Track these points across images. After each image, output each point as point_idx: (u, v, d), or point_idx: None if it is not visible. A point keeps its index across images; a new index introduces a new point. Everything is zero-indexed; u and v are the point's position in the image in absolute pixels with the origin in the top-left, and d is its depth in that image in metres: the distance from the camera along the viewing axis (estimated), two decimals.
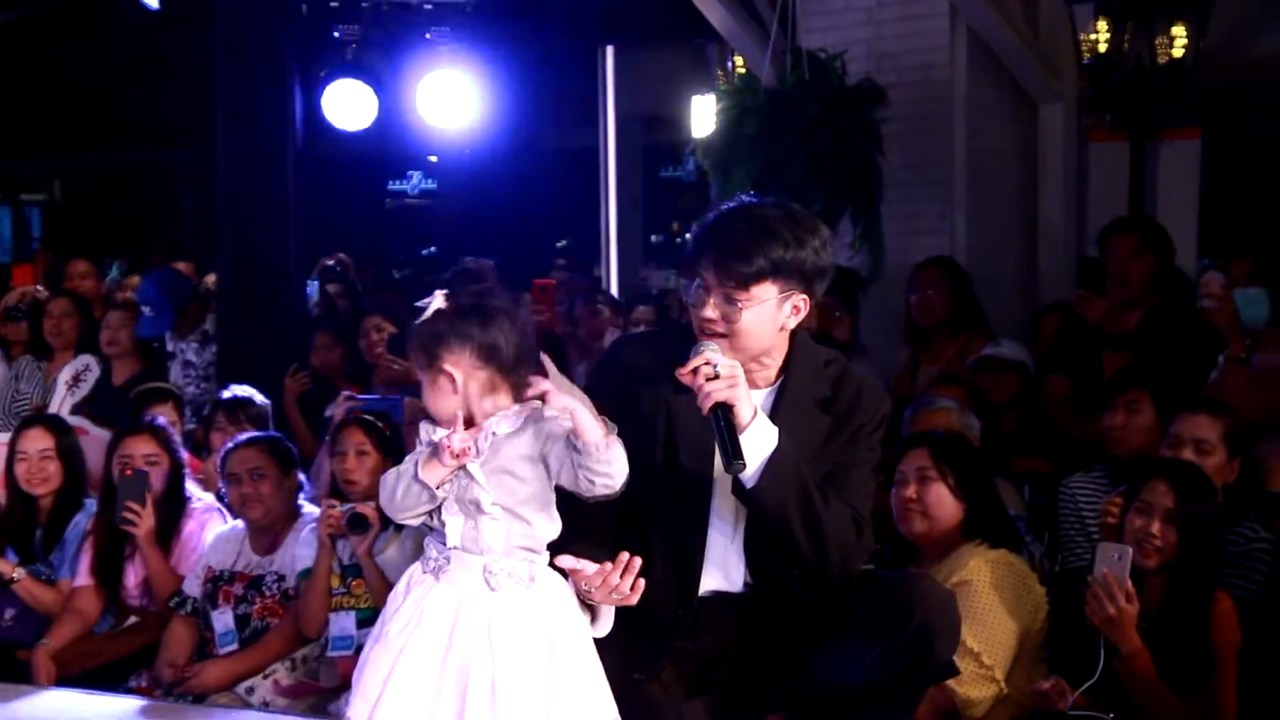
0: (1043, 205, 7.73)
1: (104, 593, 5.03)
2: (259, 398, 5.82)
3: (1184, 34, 7.26)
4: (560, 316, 7.62)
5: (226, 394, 5.86)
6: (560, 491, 2.85)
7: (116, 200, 17.54)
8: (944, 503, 4.07)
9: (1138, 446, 4.57)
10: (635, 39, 11.05)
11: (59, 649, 4.88)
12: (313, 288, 9.19)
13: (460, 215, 14.86)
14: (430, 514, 2.84)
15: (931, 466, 4.09)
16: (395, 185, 16.69)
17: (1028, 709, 3.89)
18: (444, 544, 2.80)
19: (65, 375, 6.93)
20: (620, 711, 2.91)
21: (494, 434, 2.80)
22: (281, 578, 4.75)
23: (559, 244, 14.52)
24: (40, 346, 7.16)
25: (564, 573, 2.92)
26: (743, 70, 7.98)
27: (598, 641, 2.98)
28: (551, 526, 2.88)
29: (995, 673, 3.89)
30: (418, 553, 2.95)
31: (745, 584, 3.24)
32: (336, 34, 8.06)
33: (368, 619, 4.42)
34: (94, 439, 5.65)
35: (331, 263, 9.61)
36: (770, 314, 3.14)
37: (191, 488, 5.17)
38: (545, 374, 2.82)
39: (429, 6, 8.24)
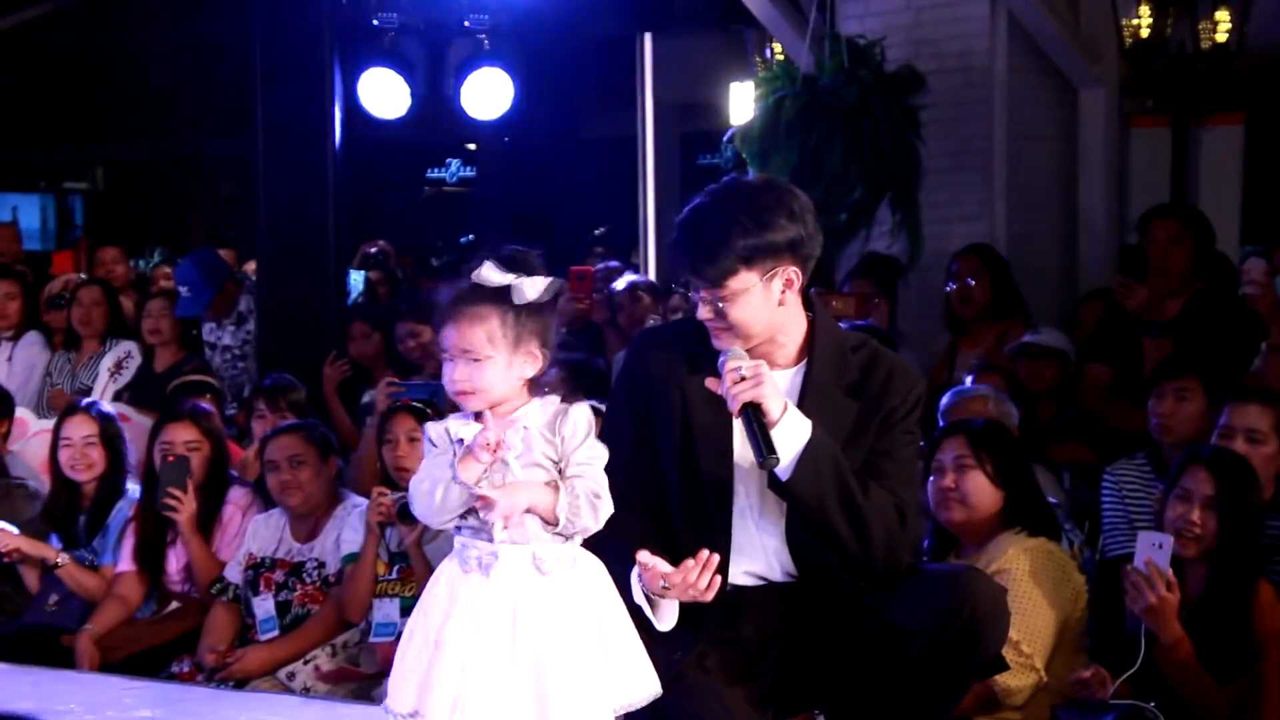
0: (1083, 192, 7.68)
1: (146, 578, 5.08)
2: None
3: (1227, 19, 7.20)
4: (599, 304, 7.62)
5: (268, 382, 5.90)
6: None
7: (158, 189, 17.65)
8: (983, 491, 4.05)
9: (1186, 434, 4.54)
10: (674, 26, 11.03)
11: (102, 634, 4.93)
12: (358, 277, 9.20)
13: (498, 203, 14.86)
14: (464, 513, 2.82)
15: (970, 455, 4.07)
16: (434, 173, 16.72)
17: (1068, 698, 3.88)
18: (489, 539, 2.78)
19: (108, 362, 6.98)
20: (665, 698, 2.91)
21: (525, 427, 2.80)
22: (322, 564, 4.78)
23: (596, 232, 14.51)
24: (77, 335, 7.21)
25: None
26: (781, 57, 7.95)
27: (637, 622, 3.00)
28: None
29: (1035, 661, 3.87)
30: None
31: (788, 574, 3.23)
32: (376, 22, 8.08)
33: (410, 607, 4.44)
34: (136, 426, 5.70)
35: (374, 250, 9.64)
36: (760, 299, 3.13)
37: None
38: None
39: None
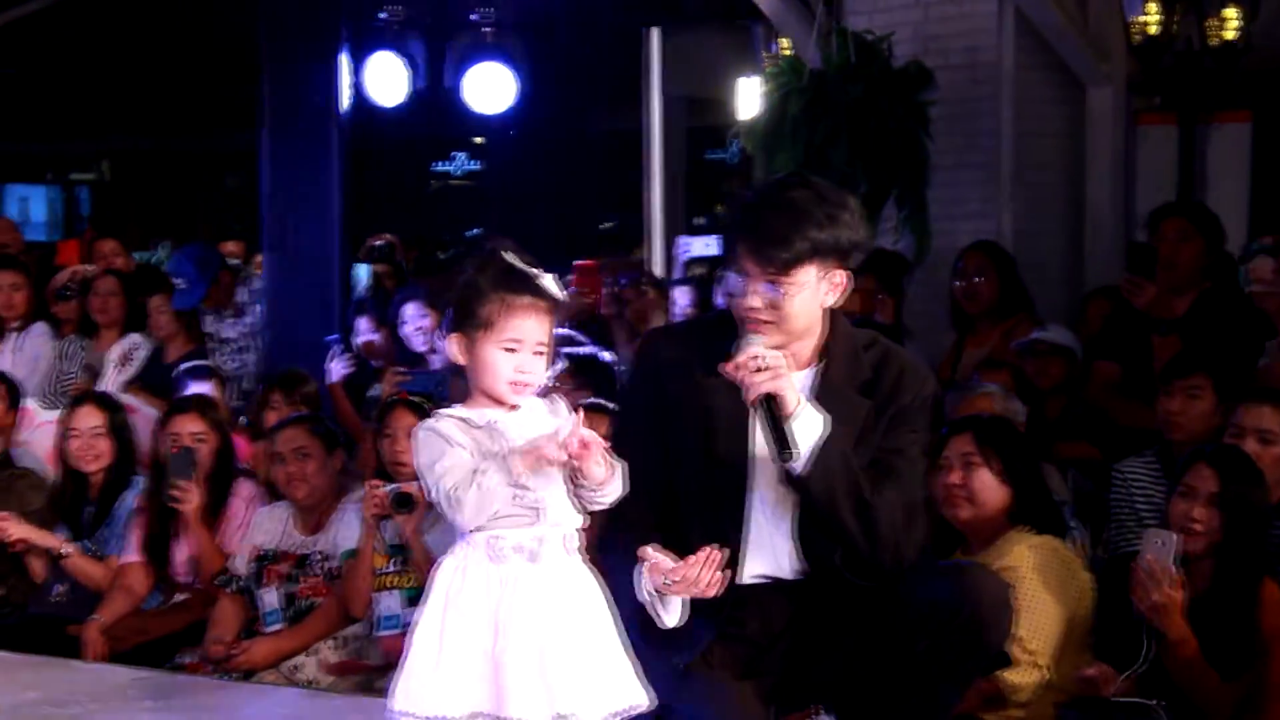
0: (1090, 189, 7.67)
1: (153, 569, 5.09)
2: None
3: (1235, 16, 7.19)
4: (605, 298, 7.63)
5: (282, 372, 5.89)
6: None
7: (165, 180, 17.66)
8: (989, 488, 4.05)
9: (1196, 432, 4.54)
10: (681, 21, 11.03)
11: (109, 625, 4.94)
12: (362, 270, 9.20)
13: (504, 196, 14.87)
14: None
15: (976, 452, 4.06)
16: (440, 166, 16.72)
17: (1073, 695, 3.88)
18: (530, 524, 2.75)
19: (114, 354, 6.99)
20: (671, 692, 2.93)
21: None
22: (327, 557, 4.79)
23: (602, 226, 14.52)
24: (88, 325, 7.22)
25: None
26: (788, 52, 7.95)
27: (642, 626, 3.01)
28: None
29: (1040, 659, 3.87)
30: None
31: (798, 571, 3.24)
32: (383, 15, 8.09)
33: (414, 598, 4.45)
34: (144, 416, 5.71)
35: (380, 244, 9.63)
36: (812, 295, 3.14)
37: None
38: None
39: None
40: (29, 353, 7.20)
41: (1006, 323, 6.17)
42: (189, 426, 5.09)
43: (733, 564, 3.15)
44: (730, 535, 3.16)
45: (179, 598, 5.11)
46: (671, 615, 3.06)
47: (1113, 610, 3.97)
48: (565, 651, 2.70)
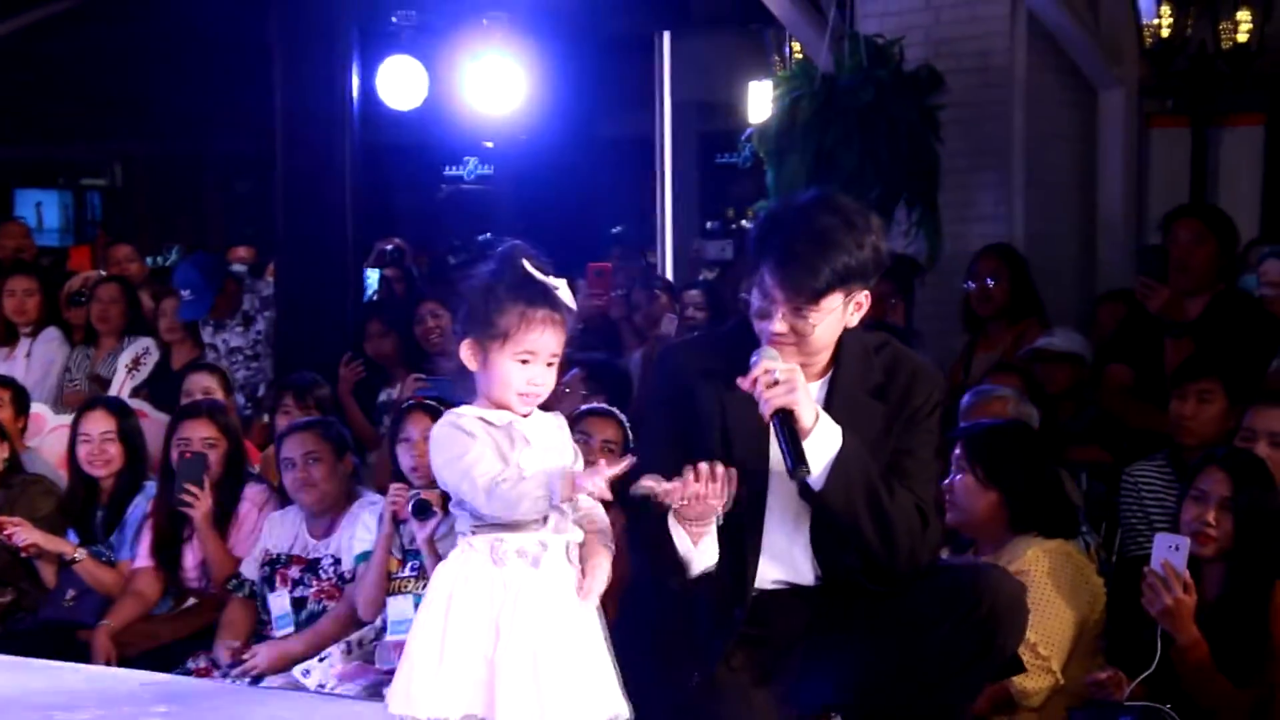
0: (1102, 192, 7.66)
1: (163, 574, 5.09)
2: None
3: (1249, 19, 7.19)
4: (616, 302, 7.62)
5: (294, 377, 5.88)
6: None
7: (177, 186, 17.70)
8: (971, 493, 4.05)
9: (1207, 436, 4.53)
10: (693, 25, 11.05)
11: (119, 630, 4.94)
12: (374, 275, 9.20)
13: (515, 201, 14.87)
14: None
15: (963, 457, 4.08)
16: (451, 171, 16.73)
17: (1084, 699, 3.87)
18: (537, 529, 2.77)
19: (125, 358, 7.00)
20: (690, 697, 2.95)
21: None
22: (338, 561, 4.79)
23: (613, 230, 14.51)
24: (94, 332, 7.22)
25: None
26: (800, 56, 7.95)
27: (656, 641, 3.03)
28: None
29: (1051, 663, 3.86)
30: None
31: (816, 577, 3.25)
32: (394, 19, 8.09)
33: None
34: (153, 422, 5.71)
35: (390, 248, 9.63)
36: (837, 318, 3.16)
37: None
38: None
39: None
40: (41, 358, 7.21)
41: (1018, 326, 6.15)
42: (199, 432, 5.09)
43: (746, 577, 3.15)
44: (749, 543, 3.17)
45: (189, 603, 5.12)
46: (705, 555, 3.03)
47: (1124, 614, 3.96)
48: (559, 660, 2.71)
